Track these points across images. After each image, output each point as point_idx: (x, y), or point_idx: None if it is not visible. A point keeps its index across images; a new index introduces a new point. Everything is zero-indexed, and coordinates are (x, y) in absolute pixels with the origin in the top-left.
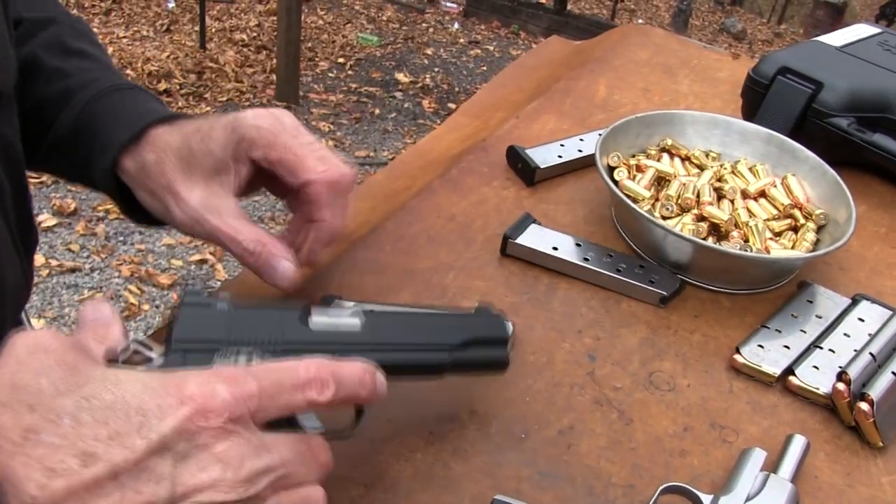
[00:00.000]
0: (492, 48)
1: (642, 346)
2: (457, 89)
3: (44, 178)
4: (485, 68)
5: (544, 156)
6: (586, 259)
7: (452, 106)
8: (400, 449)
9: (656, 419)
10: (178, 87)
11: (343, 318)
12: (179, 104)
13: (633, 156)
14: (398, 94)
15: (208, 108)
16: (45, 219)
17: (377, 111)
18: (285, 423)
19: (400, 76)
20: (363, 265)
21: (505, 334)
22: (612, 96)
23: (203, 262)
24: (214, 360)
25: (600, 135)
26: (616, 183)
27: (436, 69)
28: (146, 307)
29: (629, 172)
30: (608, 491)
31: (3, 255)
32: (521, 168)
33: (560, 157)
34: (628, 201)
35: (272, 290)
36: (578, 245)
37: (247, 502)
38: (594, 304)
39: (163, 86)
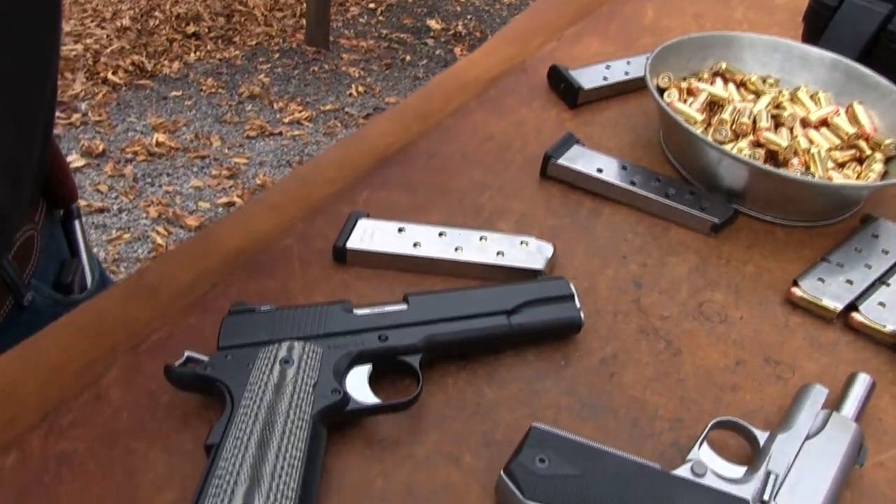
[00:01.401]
0: None
1: (692, 276)
2: (489, 37)
3: (73, 119)
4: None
5: (589, 77)
6: (633, 182)
7: None
8: (431, 374)
9: (706, 351)
10: (206, 30)
11: (388, 306)
12: (208, 47)
13: (685, 79)
14: (430, 41)
15: (237, 52)
16: (73, 159)
17: (408, 58)
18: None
19: (431, 23)
20: (393, 182)
21: (568, 291)
22: (660, 21)
23: (231, 204)
24: (258, 355)
25: (649, 57)
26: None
27: (468, 16)
28: (173, 248)
29: (680, 95)
30: (654, 424)
31: None
32: (564, 89)
33: (605, 78)
34: (681, 121)
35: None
36: (624, 168)
37: None
38: (640, 230)
39: (191, 28)
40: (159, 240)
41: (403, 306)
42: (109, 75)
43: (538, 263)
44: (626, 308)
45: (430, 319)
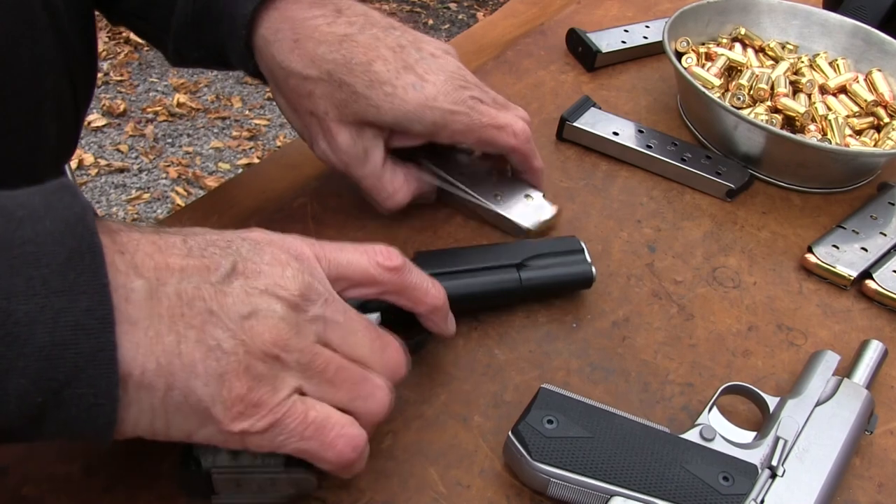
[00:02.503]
0: None
1: (706, 240)
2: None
3: None
4: None
5: (607, 40)
6: (649, 146)
7: None
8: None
9: (719, 316)
10: None
11: None
12: None
13: (703, 44)
14: (452, 6)
15: None
16: (94, 118)
17: (430, 21)
18: None
19: None
20: None
21: (578, 246)
22: None
23: (251, 165)
24: None
25: (668, 21)
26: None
27: None
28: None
29: (698, 59)
30: (664, 388)
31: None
32: (582, 52)
33: (624, 42)
34: (698, 85)
35: None
36: (641, 131)
37: (295, 316)
38: (655, 194)
39: None
40: (178, 200)
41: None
42: (131, 35)
43: (528, 221)
44: (640, 272)
45: (439, 272)
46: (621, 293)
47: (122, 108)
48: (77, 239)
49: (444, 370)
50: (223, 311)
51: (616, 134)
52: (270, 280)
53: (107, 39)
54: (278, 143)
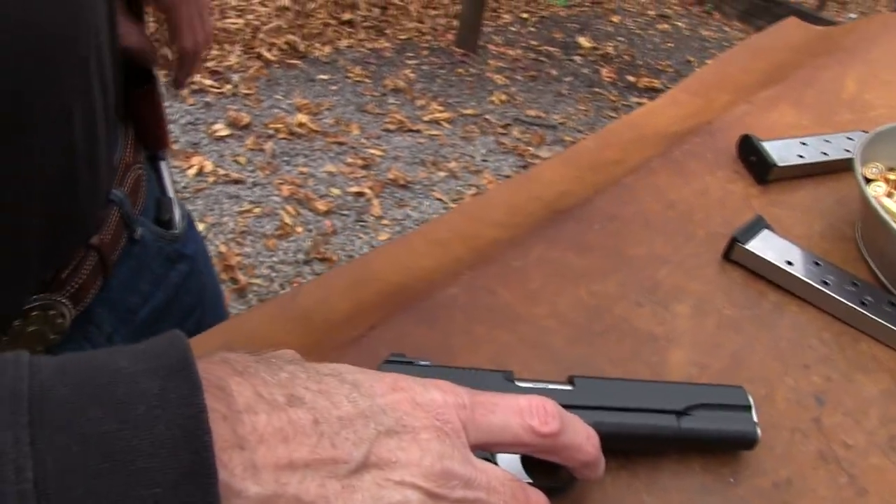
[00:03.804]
0: (681, 25)
1: (884, 400)
2: (639, 62)
3: (224, 89)
4: (671, 45)
5: (783, 152)
6: (825, 283)
7: (631, 79)
8: None
9: None
10: (361, 18)
11: (552, 384)
12: (360, 36)
13: (893, 169)
14: (577, 58)
15: (387, 44)
16: (219, 128)
17: (554, 72)
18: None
19: (582, 40)
20: (567, 240)
21: (745, 401)
22: (862, 94)
23: (360, 194)
24: None
25: (850, 138)
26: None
27: (620, 38)
28: (299, 229)
29: (888, 188)
30: None
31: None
32: (755, 162)
33: (801, 156)
34: (888, 219)
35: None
36: (817, 264)
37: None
38: (826, 336)
39: (347, 15)
40: (287, 219)
41: (569, 387)
42: (264, 52)
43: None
44: (806, 427)
45: (595, 405)
46: (784, 450)
47: (245, 120)
48: (192, 452)
49: None
50: None
51: (790, 263)
52: (406, 470)
53: (240, 53)
54: (390, 176)
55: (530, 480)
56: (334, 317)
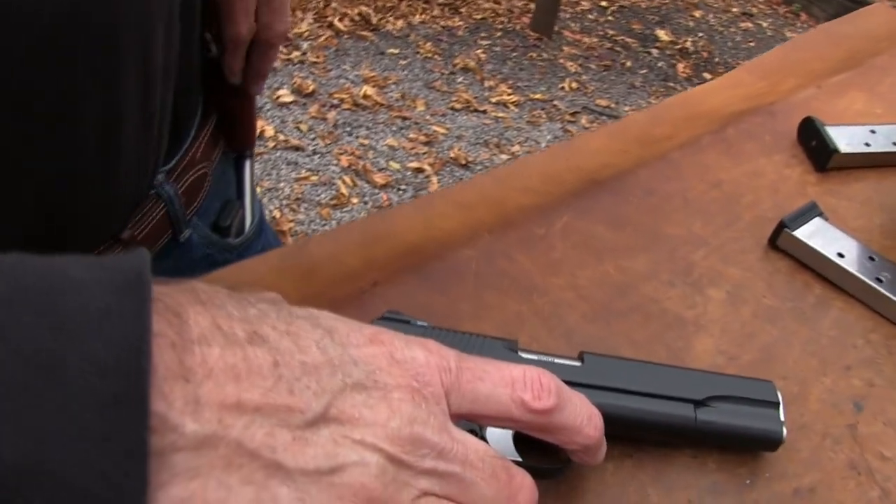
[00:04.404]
0: (765, 24)
1: None
2: (716, 60)
3: (292, 56)
4: (752, 44)
5: (848, 138)
6: (879, 280)
7: (707, 76)
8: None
9: None
10: None
11: (559, 358)
12: (434, 13)
13: None
14: (654, 51)
15: (461, 23)
16: (283, 94)
17: (628, 63)
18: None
19: (660, 33)
20: (599, 212)
21: (773, 397)
22: None
23: (420, 171)
24: None
25: None
26: None
27: (700, 34)
28: (355, 200)
29: None
30: None
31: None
32: (815, 147)
33: (867, 145)
34: None
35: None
36: (872, 259)
37: (396, 472)
38: (874, 338)
39: None
40: (343, 189)
41: (577, 363)
42: (335, 21)
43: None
44: (839, 433)
45: (604, 386)
46: (812, 455)
47: (311, 88)
48: (125, 376)
49: (586, 498)
50: (297, 465)
51: (841, 256)
52: (369, 430)
53: (311, 21)
54: (452, 155)
55: (520, 459)
56: (340, 271)
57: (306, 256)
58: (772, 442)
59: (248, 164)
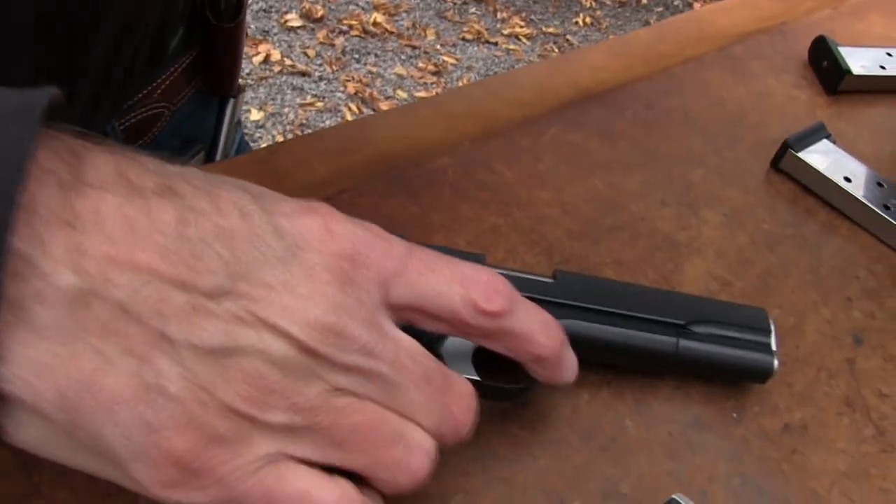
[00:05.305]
0: None
1: None
2: None
3: None
4: None
5: (862, 60)
6: (886, 206)
7: None
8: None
9: None
10: None
11: (531, 274)
12: None
13: None
14: None
15: None
16: (291, 18)
17: (644, 0)
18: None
19: None
20: (592, 125)
21: (764, 324)
22: None
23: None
24: None
25: None
26: None
27: None
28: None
29: None
30: None
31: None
32: (826, 68)
33: (883, 67)
34: None
35: None
36: (880, 185)
37: (305, 362)
38: (879, 269)
39: None
40: (349, 116)
41: (549, 280)
42: None
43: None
44: (835, 367)
45: (576, 305)
46: (805, 389)
47: (320, 13)
48: None
49: (555, 426)
50: (186, 339)
51: (848, 180)
52: (281, 311)
53: None
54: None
55: (476, 378)
56: (309, 178)
57: (274, 162)
58: (761, 373)
59: (228, 108)
